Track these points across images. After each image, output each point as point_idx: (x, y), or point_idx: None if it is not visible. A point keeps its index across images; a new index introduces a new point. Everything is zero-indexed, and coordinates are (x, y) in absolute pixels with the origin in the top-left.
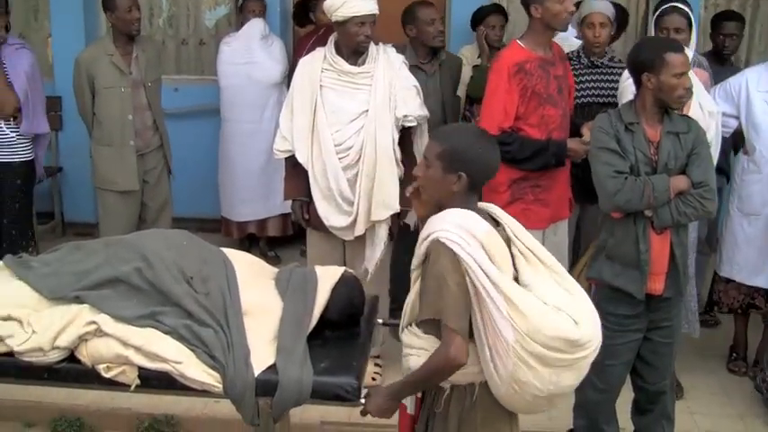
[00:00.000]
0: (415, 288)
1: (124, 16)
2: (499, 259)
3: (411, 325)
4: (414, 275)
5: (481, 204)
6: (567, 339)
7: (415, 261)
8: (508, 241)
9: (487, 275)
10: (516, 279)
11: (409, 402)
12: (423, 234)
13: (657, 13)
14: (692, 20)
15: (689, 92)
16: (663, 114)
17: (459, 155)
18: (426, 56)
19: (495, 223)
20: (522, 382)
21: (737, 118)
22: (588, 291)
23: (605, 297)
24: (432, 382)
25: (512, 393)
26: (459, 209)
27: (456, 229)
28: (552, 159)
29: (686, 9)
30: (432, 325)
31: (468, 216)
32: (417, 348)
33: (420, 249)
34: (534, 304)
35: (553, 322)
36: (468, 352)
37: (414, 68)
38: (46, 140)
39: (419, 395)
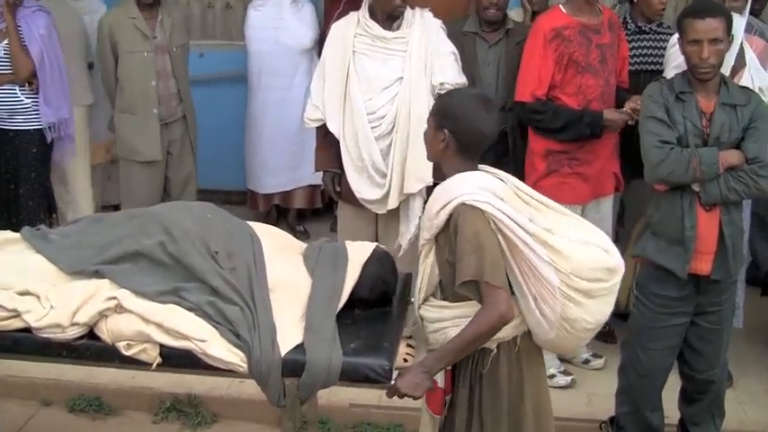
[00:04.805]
0: (428, 261)
1: None
2: (521, 211)
3: (429, 299)
4: (425, 248)
5: (481, 167)
6: (606, 268)
7: (427, 234)
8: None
9: (521, 227)
10: None
11: (439, 376)
12: (435, 205)
13: None
14: None
15: (704, 62)
16: (720, 84)
17: (447, 112)
18: (489, 24)
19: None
20: (572, 320)
21: None
22: (633, 269)
23: (651, 276)
24: (480, 343)
25: (563, 335)
26: (473, 172)
27: (478, 189)
28: (586, 130)
29: None
30: (468, 288)
31: (483, 177)
32: (452, 319)
33: (437, 220)
34: (568, 244)
35: (591, 255)
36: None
37: (474, 36)
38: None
39: (449, 368)
